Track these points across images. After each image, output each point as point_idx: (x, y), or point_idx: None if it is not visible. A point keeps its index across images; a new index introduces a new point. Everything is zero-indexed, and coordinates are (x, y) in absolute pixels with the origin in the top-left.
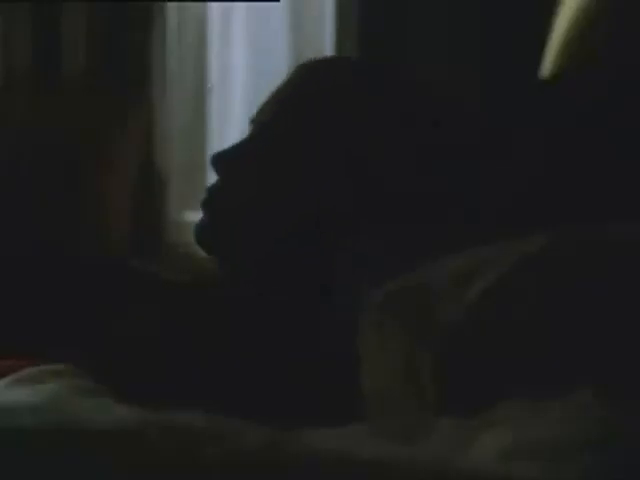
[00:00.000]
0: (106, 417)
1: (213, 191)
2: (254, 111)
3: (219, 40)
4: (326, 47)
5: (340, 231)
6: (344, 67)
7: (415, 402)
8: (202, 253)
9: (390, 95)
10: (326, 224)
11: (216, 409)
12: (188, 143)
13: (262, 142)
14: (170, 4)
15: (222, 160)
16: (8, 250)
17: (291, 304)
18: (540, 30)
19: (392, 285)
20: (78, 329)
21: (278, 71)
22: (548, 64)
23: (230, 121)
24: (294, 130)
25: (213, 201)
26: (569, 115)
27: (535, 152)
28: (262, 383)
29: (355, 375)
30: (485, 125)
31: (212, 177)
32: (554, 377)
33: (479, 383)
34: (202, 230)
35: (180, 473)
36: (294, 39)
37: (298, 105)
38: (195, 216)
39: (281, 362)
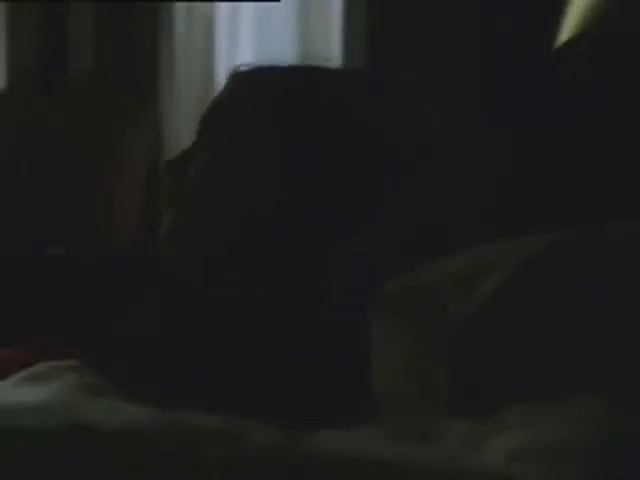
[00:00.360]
0: (110, 417)
1: (172, 196)
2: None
3: (227, 40)
4: (333, 48)
5: (339, 231)
6: (276, 74)
7: (416, 403)
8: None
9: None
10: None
11: (217, 409)
12: None
13: (209, 144)
14: (178, 4)
15: (172, 166)
16: (8, 250)
17: (291, 304)
18: (541, 30)
19: (392, 285)
20: (78, 329)
21: None
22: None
23: None
24: (238, 132)
25: (174, 206)
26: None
27: (535, 152)
28: (262, 383)
29: (354, 376)
30: (484, 125)
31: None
32: (555, 378)
33: (479, 384)
34: (174, 233)
35: (183, 473)
36: (301, 40)
37: (237, 109)
38: None
39: (280, 362)
